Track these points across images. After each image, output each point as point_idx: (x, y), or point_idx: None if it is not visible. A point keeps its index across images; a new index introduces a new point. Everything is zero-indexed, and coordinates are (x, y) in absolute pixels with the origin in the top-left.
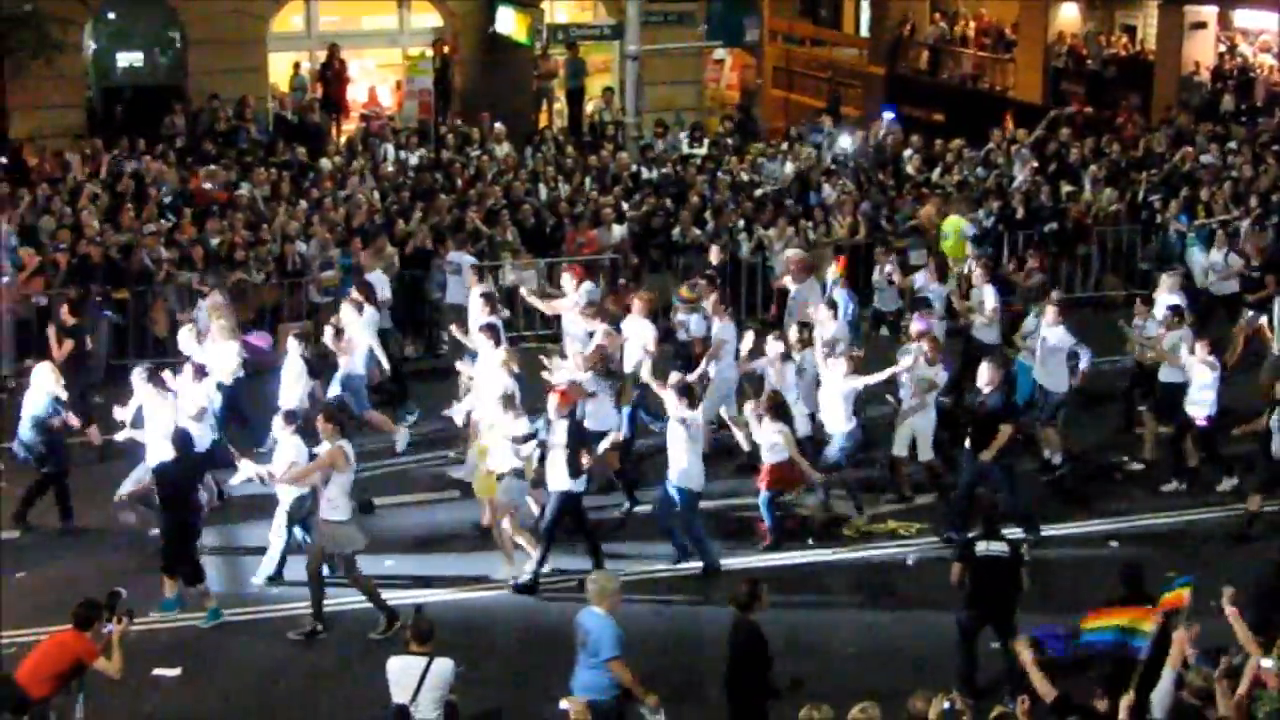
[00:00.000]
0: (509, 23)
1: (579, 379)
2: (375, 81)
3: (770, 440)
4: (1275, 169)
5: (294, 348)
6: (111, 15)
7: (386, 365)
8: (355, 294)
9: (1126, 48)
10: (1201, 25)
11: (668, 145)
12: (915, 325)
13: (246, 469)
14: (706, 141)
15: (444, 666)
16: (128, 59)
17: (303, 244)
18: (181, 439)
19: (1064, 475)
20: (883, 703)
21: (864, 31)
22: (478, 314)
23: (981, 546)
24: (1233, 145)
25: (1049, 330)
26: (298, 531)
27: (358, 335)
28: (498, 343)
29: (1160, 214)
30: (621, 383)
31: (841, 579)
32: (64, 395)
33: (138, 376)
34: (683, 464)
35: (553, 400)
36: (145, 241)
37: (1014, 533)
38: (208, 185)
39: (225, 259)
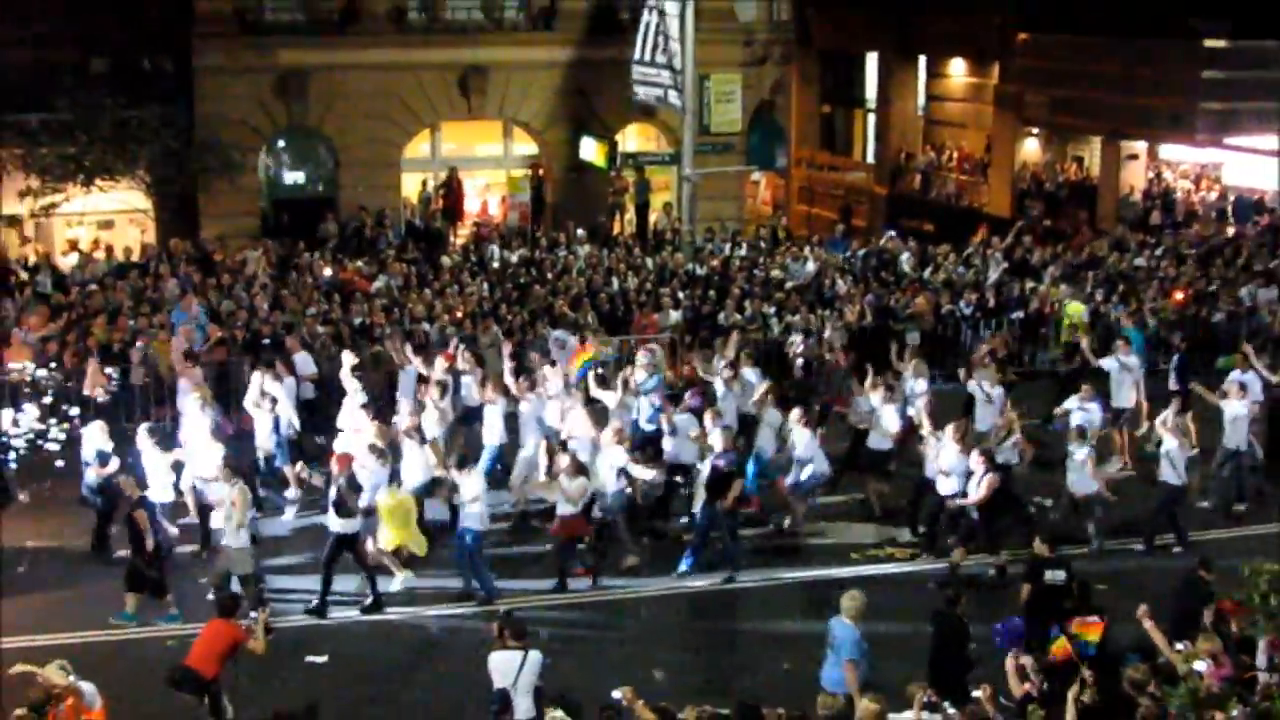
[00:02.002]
0: (590, 150)
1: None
2: (485, 196)
3: (569, 494)
4: (1193, 269)
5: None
6: (281, 143)
7: (297, 425)
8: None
9: (1076, 174)
10: (1134, 157)
11: (715, 248)
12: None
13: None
14: (745, 245)
15: (536, 657)
16: (293, 177)
17: (427, 324)
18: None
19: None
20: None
21: (870, 159)
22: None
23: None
24: (1159, 251)
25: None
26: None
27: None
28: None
29: (1102, 304)
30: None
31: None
32: (109, 448)
33: (141, 433)
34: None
35: (333, 463)
36: (306, 321)
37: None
38: (354, 277)
39: (367, 335)
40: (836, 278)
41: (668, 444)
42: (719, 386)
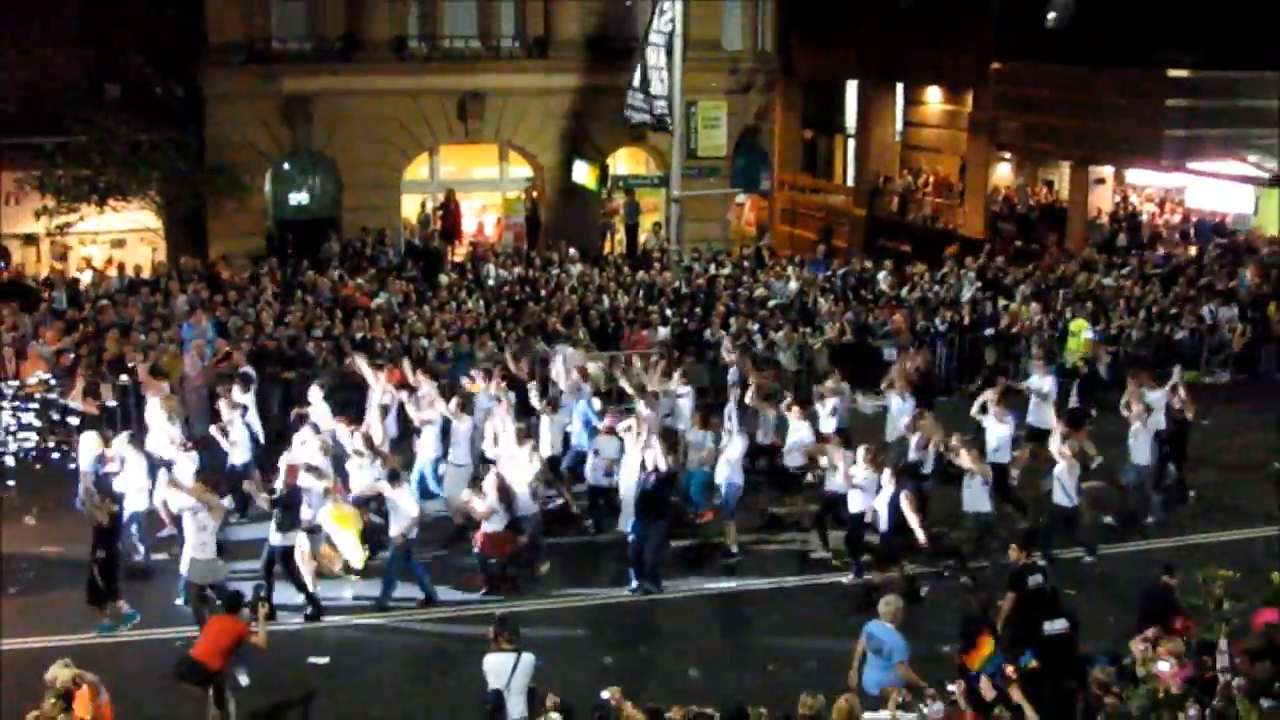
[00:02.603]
0: (583, 173)
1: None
2: (481, 217)
3: (479, 512)
4: (1156, 289)
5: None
6: (286, 166)
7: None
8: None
9: (1046, 197)
10: (1102, 181)
11: (701, 267)
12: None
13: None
14: (730, 265)
15: (529, 660)
16: (297, 198)
17: (425, 340)
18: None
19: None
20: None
21: (850, 182)
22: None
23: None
24: (1125, 271)
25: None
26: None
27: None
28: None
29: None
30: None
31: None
32: (109, 454)
33: (121, 440)
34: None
35: (283, 472)
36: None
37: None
38: (355, 293)
39: (368, 349)
40: (818, 296)
41: (589, 465)
42: (640, 406)
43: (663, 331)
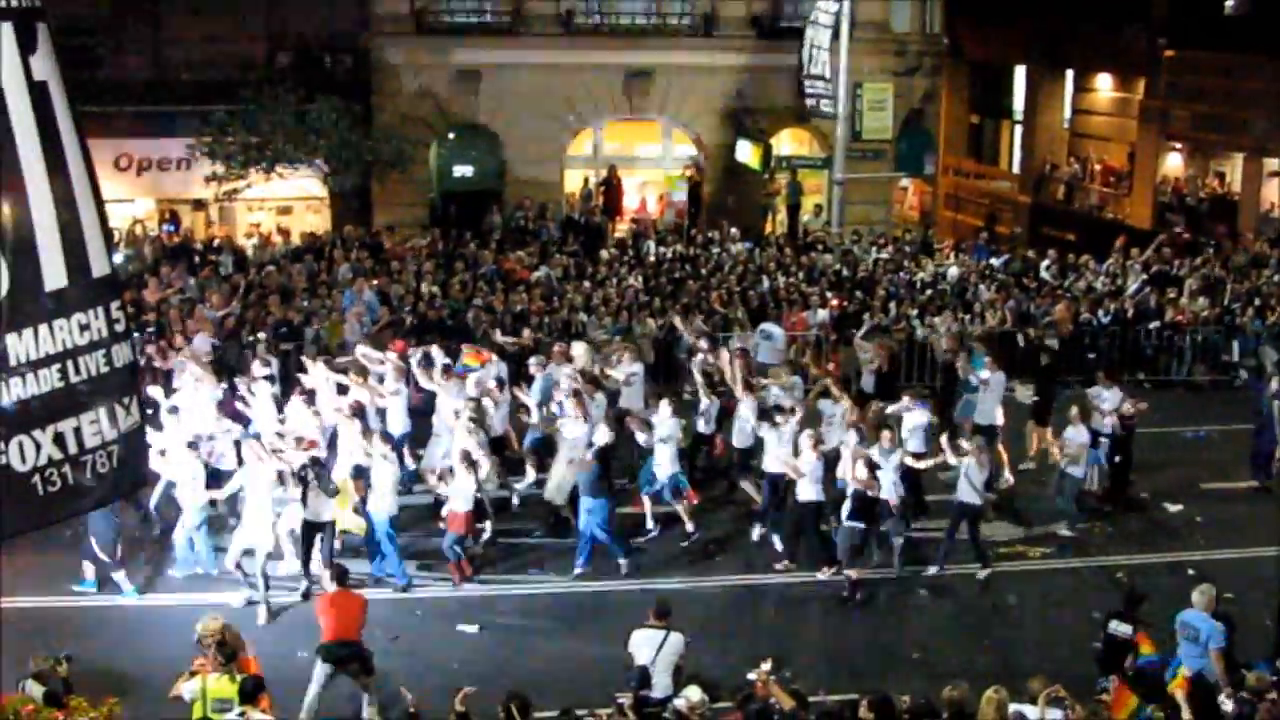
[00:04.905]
0: (746, 153)
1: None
2: (643, 194)
3: (460, 490)
4: None
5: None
6: (451, 138)
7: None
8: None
9: (1217, 188)
10: (1276, 174)
11: (862, 250)
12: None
13: None
14: (891, 249)
15: (678, 639)
16: (461, 170)
17: (584, 314)
18: None
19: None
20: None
21: (1016, 169)
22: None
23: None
24: None
25: None
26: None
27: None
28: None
29: (1239, 318)
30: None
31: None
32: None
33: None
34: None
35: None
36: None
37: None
38: (515, 266)
39: (525, 322)
40: (979, 283)
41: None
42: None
43: (821, 314)
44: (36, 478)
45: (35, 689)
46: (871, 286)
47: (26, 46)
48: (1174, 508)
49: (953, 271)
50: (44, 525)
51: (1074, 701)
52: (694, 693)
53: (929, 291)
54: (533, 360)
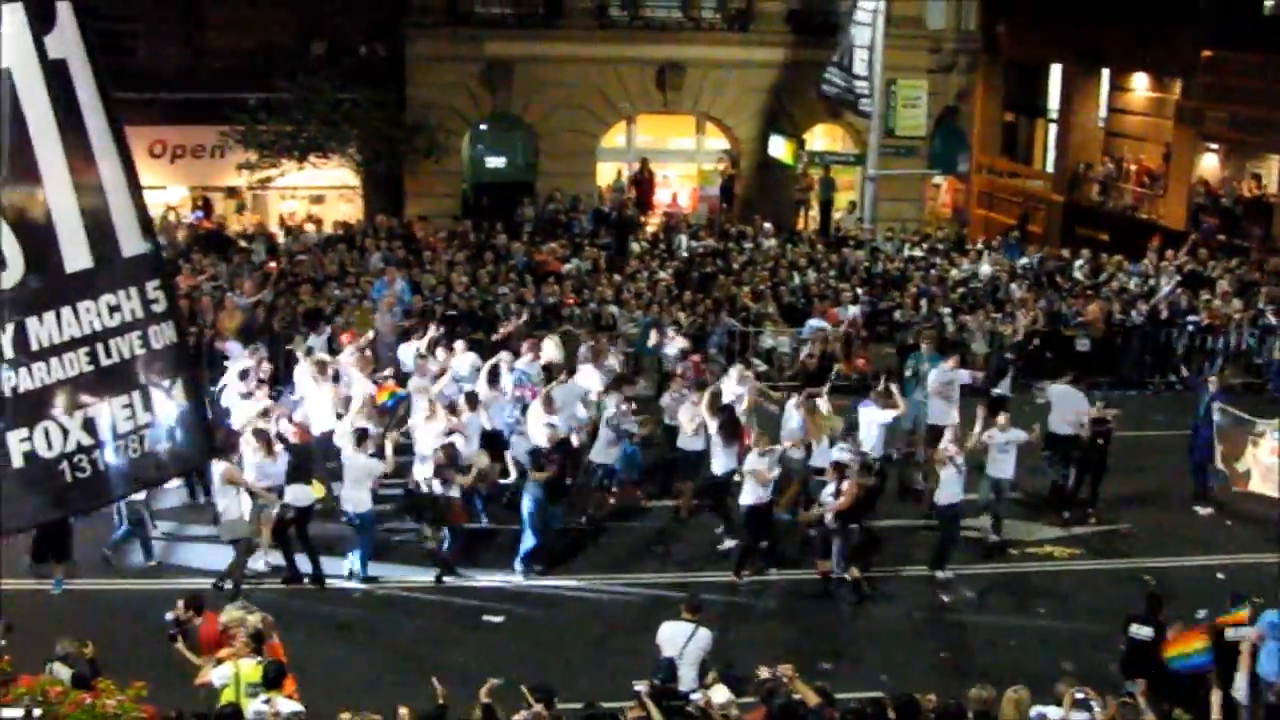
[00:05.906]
0: (779, 148)
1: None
2: (675, 188)
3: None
4: None
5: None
6: (483, 129)
7: None
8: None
9: (1253, 190)
10: None
11: (894, 247)
12: None
13: None
14: (924, 246)
15: (706, 634)
16: (494, 162)
17: (614, 307)
18: None
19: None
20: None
21: (1050, 168)
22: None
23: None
24: None
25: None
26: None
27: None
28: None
29: (1275, 319)
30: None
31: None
32: None
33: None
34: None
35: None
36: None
37: None
38: (547, 259)
39: (556, 314)
40: (1010, 282)
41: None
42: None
43: (853, 310)
44: (64, 464)
45: (62, 671)
46: (903, 284)
47: (43, 24)
48: (1204, 511)
49: (985, 270)
50: (75, 513)
51: (1098, 696)
52: (719, 694)
53: (960, 290)
54: (503, 355)
